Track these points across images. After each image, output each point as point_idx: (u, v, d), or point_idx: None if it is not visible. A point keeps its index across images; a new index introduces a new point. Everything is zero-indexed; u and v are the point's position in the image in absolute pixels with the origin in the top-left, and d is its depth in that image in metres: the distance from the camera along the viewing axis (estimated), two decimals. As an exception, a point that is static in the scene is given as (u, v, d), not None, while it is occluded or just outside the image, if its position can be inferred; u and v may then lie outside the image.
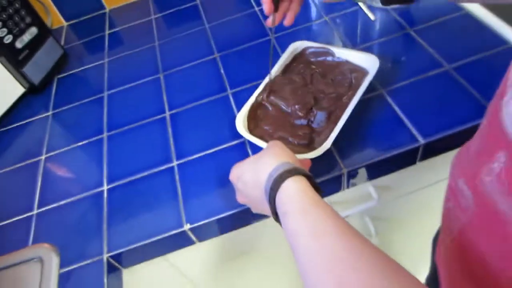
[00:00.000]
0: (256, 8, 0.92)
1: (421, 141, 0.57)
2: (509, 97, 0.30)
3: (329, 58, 0.69)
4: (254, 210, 0.51)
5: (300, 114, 0.61)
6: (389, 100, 0.63)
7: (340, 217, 0.36)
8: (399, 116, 0.61)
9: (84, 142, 0.73)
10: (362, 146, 0.59)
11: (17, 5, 0.80)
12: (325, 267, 0.31)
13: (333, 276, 0.30)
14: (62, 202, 0.64)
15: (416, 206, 0.83)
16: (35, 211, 0.64)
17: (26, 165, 0.72)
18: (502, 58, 0.65)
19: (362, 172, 0.58)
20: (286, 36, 0.81)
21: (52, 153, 0.73)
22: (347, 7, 0.84)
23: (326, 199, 0.64)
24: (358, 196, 0.71)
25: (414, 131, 0.58)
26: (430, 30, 0.73)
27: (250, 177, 0.46)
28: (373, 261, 0.30)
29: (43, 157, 0.73)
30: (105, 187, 0.65)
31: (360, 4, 0.83)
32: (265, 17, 0.87)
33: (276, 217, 0.42)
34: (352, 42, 0.76)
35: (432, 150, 0.60)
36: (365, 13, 0.81)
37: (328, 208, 0.37)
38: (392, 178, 0.67)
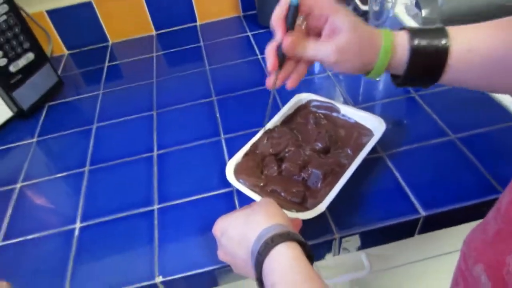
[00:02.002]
0: (259, 56, 0.91)
1: (422, 213, 0.53)
2: None
3: (334, 114, 0.66)
4: (236, 271, 0.46)
5: (292, 170, 0.57)
6: (390, 164, 0.60)
7: None
8: (399, 183, 0.57)
9: (63, 174, 0.69)
10: (358, 211, 0.54)
11: (16, 30, 0.78)
12: None
13: None
14: (29, 237, 0.59)
15: (411, 279, 0.78)
16: (-3, 244, 0.59)
17: (-2, 192, 0.67)
18: (510, 133, 0.62)
19: (355, 240, 0.54)
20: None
21: (28, 182, 0.68)
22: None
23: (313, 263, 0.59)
24: (349, 263, 0.66)
25: (415, 201, 0.54)
26: (436, 97, 0.71)
27: (236, 233, 0.42)
28: None
29: (18, 186, 0.68)
30: (77, 225, 0.60)
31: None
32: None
33: (260, 285, 0.37)
34: (354, 100, 0.74)
35: (432, 224, 0.55)
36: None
37: (320, 284, 0.32)
38: (387, 248, 0.63)
